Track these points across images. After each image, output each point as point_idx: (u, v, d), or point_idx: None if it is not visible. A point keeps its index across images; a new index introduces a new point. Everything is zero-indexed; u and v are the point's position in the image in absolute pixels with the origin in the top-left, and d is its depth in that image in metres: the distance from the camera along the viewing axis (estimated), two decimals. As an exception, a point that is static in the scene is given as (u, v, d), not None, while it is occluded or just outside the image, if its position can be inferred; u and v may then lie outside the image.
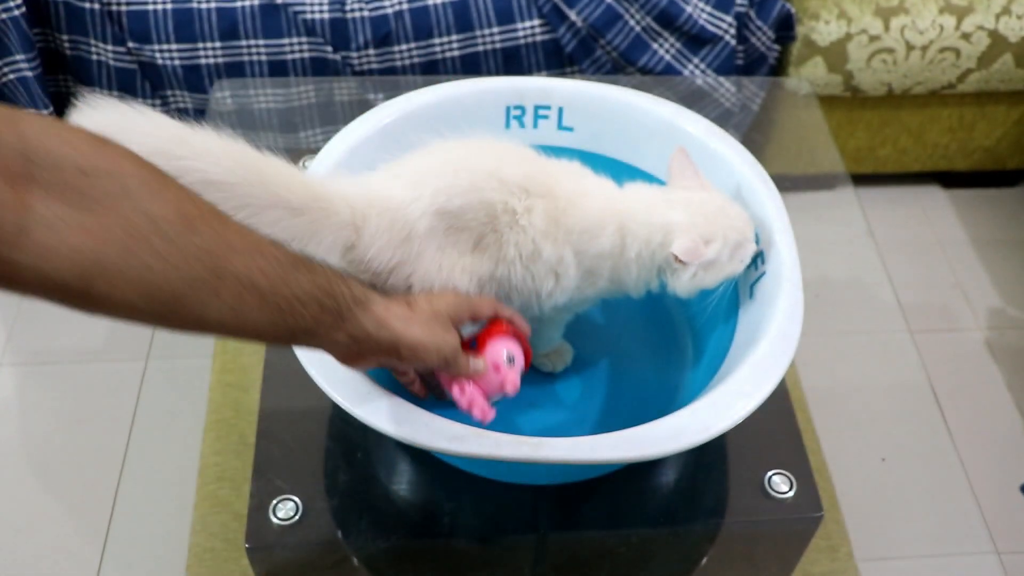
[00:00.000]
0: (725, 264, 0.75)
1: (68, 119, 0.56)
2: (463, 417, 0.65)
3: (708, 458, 0.83)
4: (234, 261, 0.48)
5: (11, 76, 1.45)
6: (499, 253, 0.70)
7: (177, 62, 1.46)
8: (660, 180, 0.91)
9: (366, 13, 1.45)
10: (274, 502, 0.76)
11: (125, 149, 0.46)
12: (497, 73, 1.50)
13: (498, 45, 1.48)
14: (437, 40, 1.47)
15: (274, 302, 0.51)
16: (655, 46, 1.53)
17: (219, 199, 0.59)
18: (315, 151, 0.85)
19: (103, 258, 0.43)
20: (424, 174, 0.70)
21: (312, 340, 0.56)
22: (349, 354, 0.59)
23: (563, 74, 1.54)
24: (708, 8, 1.51)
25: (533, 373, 0.88)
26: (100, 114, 0.58)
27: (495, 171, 0.69)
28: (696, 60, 1.54)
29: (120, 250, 0.43)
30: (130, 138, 0.53)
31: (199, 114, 1.52)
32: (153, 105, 1.51)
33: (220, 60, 1.45)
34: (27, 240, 0.41)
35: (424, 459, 0.82)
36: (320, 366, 0.67)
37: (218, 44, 1.44)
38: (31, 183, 0.41)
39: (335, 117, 1.36)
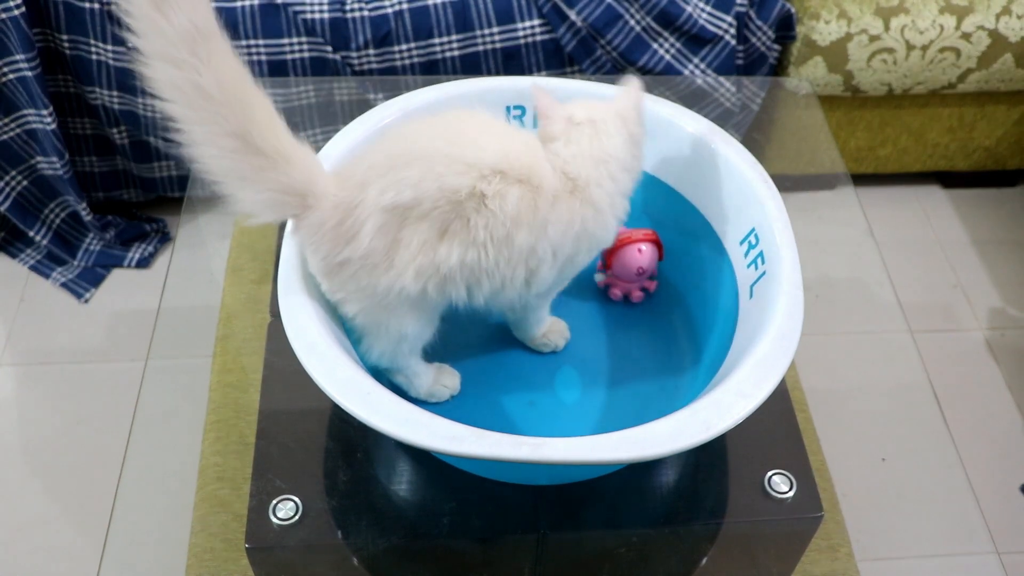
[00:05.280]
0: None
1: None
2: (462, 417, 0.65)
3: (708, 458, 0.83)
4: None
5: (11, 76, 1.45)
6: (468, 237, 0.68)
7: (177, 62, 1.46)
8: (660, 180, 0.91)
9: (366, 13, 1.45)
10: (274, 502, 0.76)
11: None
12: (497, 73, 1.50)
13: (498, 45, 1.48)
14: (437, 40, 1.47)
15: None
16: (655, 46, 1.52)
17: (191, 104, 0.61)
18: (315, 151, 0.85)
19: None
20: (373, 168, 0.67)
21: None
22: None
23: (563, 74, 1.54)
24: (708, 8, 1.51)
25: (533, 370, 0.88)
26: None
27: (460, 155, 0.66)
28: (696, 60, 1.53)
29: None
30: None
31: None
32: (153, 106, 1.51)
33: (220, 60, 1.45)
34: None
35: (424, 459, 0.82)
36: (320, 366, 0.67)
37: (218, 44, 1.44)
38: None
39: (335, 117, 1.36)
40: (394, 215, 0.66)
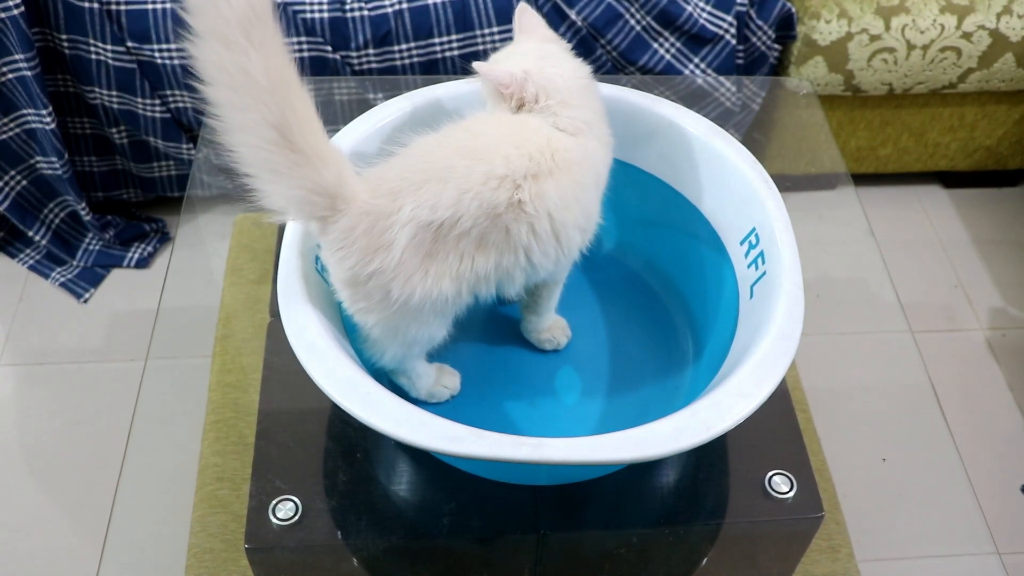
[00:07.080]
0: None
1: None
2: (462, 417, 0.65)
3: (708, 458, 0.83)
4: None
5: (10, 76, 1.45)
6: (507, 244, 0.69)
7: (176, 62, 1.46)
8: (661, 180, 0.91)
9: (366, 12, 1.45)
10: (273, 503, 0.76)
11: None
12: (497, 73, 1.50)
13: (498, 44, 1.48)
14: (437, 40, 1.47)
15: None
16: (655, 45, 1.52)
17: (236, 87, 0.60)
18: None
19: None
20: (404, 180, 0.67)
21: None
22: None
23: (563, 74, 1.53)
24: (708, 7, 1.51)
25: (533, 371, 0.88)
26: None
27: (490, 170, 0.67)
28: (696, 59, 1.53)
29: None
30: None
31: (199, 114, 1.51)
32: (152, 106, 1.51)
33: (220, 60, 1.45)
34: None
35: (424, 459, 0.82)
36: (320, 366, 0.67)
37: (218, 43, 1.44)
38: None
39: (335, 117, 1.36)
40: (429, 230, 0.66)
